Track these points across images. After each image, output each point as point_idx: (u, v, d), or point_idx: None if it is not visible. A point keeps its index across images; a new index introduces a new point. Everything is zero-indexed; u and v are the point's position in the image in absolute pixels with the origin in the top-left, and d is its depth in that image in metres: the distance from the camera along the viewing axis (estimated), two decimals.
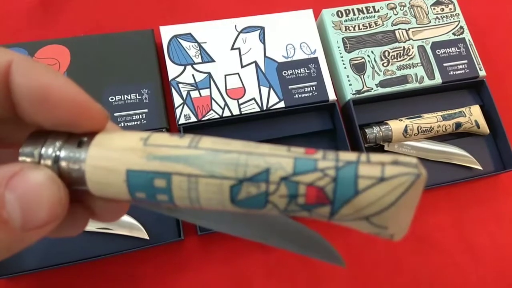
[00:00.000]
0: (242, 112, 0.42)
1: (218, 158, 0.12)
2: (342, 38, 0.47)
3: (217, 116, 0.42)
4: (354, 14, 0.48)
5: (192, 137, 0.13)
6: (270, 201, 0.12)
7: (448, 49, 0.48)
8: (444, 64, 0.47)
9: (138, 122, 0.41)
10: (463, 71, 0.48)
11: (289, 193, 0.12)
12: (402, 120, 0.46)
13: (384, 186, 0.11)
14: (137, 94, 0.42)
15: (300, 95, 0.44)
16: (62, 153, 0.13)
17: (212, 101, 0.42)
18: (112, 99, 0.41)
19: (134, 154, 0.13)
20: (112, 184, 0.13)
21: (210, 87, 0.43)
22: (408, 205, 0.12)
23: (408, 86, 0.46)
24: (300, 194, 0.12)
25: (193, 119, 0.41)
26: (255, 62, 0.45)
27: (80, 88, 0.13)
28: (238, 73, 0.44)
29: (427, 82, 0.46)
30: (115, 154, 0.13)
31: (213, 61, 0.44)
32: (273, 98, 0.43)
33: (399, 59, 0.47)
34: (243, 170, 0.12)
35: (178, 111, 0.41)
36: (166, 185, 0.13)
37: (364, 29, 0.48)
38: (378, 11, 0.49)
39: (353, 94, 0.45)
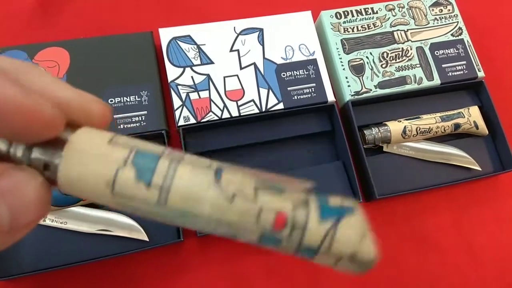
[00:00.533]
0: (241, 114, 0.43)
1: (188, 220, 0.13)
2: (341, 40, 0.47)
3: (216, 118, 0.42)
4: (353, 16, 0.48)
5: (160, 186, 0.13)
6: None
7: (446, 50, 0.48)
8: (443, 65, 0.48)
9: (137, 124, 0.41)
10: (461, 72, 0.48)
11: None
12: (401, 121, 0.46)
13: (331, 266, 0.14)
14: (136, 96, 0.42)
15: (299, 97, 0.44)
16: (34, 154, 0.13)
17: (211, 102, 0.43)
18: (111, 101, 0.41)
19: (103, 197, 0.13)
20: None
21: (209, 89, 0.43)
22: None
23: (407, 87, 0.46)
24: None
25: (192, 120, 0.42)
26: (254, 63, 0.45)
27: (22, 88, 0.11)
28: (237, 75, 0.44)
29: (425, 83, 0.46)
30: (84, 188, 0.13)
31: (212, 63, 0.44)
32: (272, 100, 0.44)
33: (397, 60, 0.47)
34: (213, 230, 0.13)
35: (177, 113, 0.42)
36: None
37: (362, 30, 0.48)
38: (377, 12, 0.49)
39: (351, 96, 0.45)
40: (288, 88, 0.44)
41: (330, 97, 0.45)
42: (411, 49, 0.48)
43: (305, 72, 0.45)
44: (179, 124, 0.41)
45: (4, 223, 0.12)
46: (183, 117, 0.42)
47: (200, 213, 0.13)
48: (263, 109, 0.43)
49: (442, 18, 0.50)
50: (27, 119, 0.11)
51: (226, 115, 0.42)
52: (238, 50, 0.45)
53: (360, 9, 0.49)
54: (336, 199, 0.14)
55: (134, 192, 0.12)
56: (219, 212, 0.13)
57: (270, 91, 0.44)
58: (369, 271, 0.13)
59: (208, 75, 0.43)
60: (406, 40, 0.48)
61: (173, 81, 0.43)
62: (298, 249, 0.13)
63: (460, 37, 0.49)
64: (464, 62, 0.48)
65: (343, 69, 0.46)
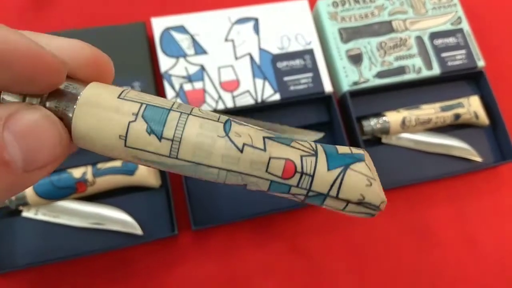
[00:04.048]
0: (237, 105, 0.42)
1: (199, 171, 0.13)
2: (338, 29, 0.46)
3: (211, 109, 0.41)
4: (350, 5, 0.47)
5: (171, 141, 0.13)
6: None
7: (446, 40, 0.47)
8: (442, 55, 0.47)
9: None
10: (461, 61, 0.47)
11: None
12: (400, 111, 0.45)
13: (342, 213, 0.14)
14: (129, 87, 0.41)
15: (295, 87, 0.43)
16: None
17: (206, 94, 0.42)
18: None
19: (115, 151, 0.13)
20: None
21: (203, 80, 0.42)
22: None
23: (406, 77, 0.45)
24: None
25: None
26: (250, 54, 0.44)
27: (23, 35, 0.11)
28: (232, 65, 0.43)
29: (425, 73, 0.46)
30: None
31: (206, 53, 0.43)
32: (268, 90, 0.43)
33: (396, 50, 0.46)
34: (222, 181, 0.14)
35: None
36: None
37: (360, 19, 0.47)
38: (375, 1, 0.48)
39: (349, 86, 0.44)
40: (284, 79, 0.43)
41: (328, 88, 0.44)
42: (409, 38, 0.47)
43: (302, 62, 0.44)
44: None
45: (17, 164, 0.11)
46: None
47: (211, 164, 0.13)
48: (259, 100, 0.42)
49: (441, 7, 0.49)
50: (31, 64, 0.11)
51: (221, 106, 0.41)
52: (233, 40, 0.44)
53: None
54: (344, 148, 0.14)
55: (146, 145, 0.13)
56: (230, 163, 0.13)
57: (266, 82, 0.43)
58: (377, 214, 0.14)
59: (202, 66, 0.42)
60: (404, 29, 0.47)
61: (166, 72, 0.42)
62: (306, 195, 0.14)
63: (459, 26, 0.48)
64: (464, 51, 0.47)
65: (341, 59, 0.45)
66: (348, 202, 0.14)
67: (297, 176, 0.13)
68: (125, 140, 0.13)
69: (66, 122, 0.13)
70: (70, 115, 0.13)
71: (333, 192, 0.13)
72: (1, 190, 0.12)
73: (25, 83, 0.12)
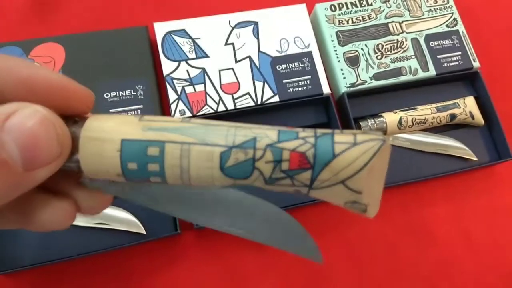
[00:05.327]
0: (237, 107, 0.43)
1: (210, 129, 0.13)
2: (336, 32, 0.47)
3: (212, 111, 0.42)
4: (348, 8, 0.48)
5: (183, 117, 0.14)
6: (256, 167, 0.13)
7: (441, 41, 0.48)
8: (438, 56, 0.48)
9: None
10: (457, 62, 0.48)
11: (274, 158, 0.13)
12: (396, 112, 0.46)
13: (357, 150, 0.13)
14: (132, 91, 0.42)
15: (294, 89, 0.44)
16: None
17: (207, 96, 0.43)
18: (107, 95, 0.42)
19: (129, 126, 0.13)
20: (105, 154, 0.13)
21: (204, 83, 0.43)
22: (378, 171, 0.13)
23: (402, 78, 0.46)
24: (284, 159, 0.13)
25: (188, 114, 0.42)
26: (249, 57, 0.45)
27: (62, 75, 0.14)
28: (232, 68, 0.44)
29: (421, 74, 0.46)
30: (111, 126, 0.13)
31: (207, 56, 0.44)
32: (268, 92, 0.44)
33: (392, 52, 0.47)
34: (232, 139, 0.13)
35: (173, 107, 0.42)
36: (159, 153, 0.13)
37: (357, 22, 0.48)
38: (371, 4, 0.49)
39: (347, 87, 0.45)
40: (284, 81, 0.44)
41: (326, 89, 0.45)
42: (406, 40, 0.48)
43: (301, 65, 0.45)
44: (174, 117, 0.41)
45: (16, 163, 0.12)
46: (179, 110, 0.42)
47: (221, 124, 0.14)
48: (259, 102, 0.43)
49: (437, 9, 0.50)
50: (67, 94, 0.14)
51: (221, 108, 0.42)
52: (233, 44, 0.45)
53: (355, 1, 0.49)
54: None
55: (160, 117, 0.14)
56: (237, 124, 0.14)
57: (266, 84, 0.44)
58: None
59: (203, 69, 0.43)
60: (401, 31, 0.48)
61: (168, 75, 0.43)
62: (315, 136, 0.14)
63: (455, 27, 0.49)
64: (460, 52, 0.48)
65: (338, 61, 0.46)
66: (354, 133, 0.13)
67: (300, 128, 0.14)
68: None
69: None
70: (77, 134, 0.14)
71: (337, 130, 0.14)
72: (3, 189, 0.12)
73: (63, 109, 0.14)
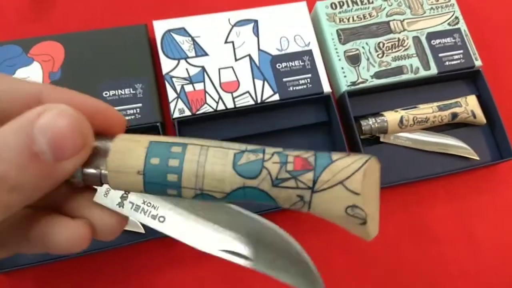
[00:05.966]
0: (237, 106, 0.42)
1: (225, 144, 0.16)
2: (337, 30, 0.47)
3: (211, 110, 0.42)
4: (348, 6, 0.48)
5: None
6: (265, 166, 0.15)
7: (443, 40, 0.48)
8: (440, 55, 0.47)
9: (132, 117, 0.41)
10: (458, 61, 0.47)
11: (281, 160, 0.15)
12: (397, 111, 0.45)
13: (350, 158, 0.15)
14: (131, 89, 0.42)
15: (294, 88, 0.44)
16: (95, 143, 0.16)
17: (206, 94, 0.42)
18: (106, 94, 0.41)
19: (158, 137, 0.16)
20: (133, 149, 0.15)
21: (204, 81, 0.43)
22: (372, 184, 0.15)
23: (404, 77, 0.46)
24: (289, 162, 0.15)
25: (187, 113, 0.41)
26: (249, 55, 0.44)
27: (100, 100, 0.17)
28: (232, 67, 0.44)
29: (422, 73, 0.46)
30: (141, 135, 0.16)
31: (206, 55, 0.44)
32: (268, 91, 0.43)
33: (394, 50, 0.47)
34: (245, 147, 0.16)
35: (172, 105, 0.41)
36: (181, 150, 0.15)
37: (358, 20, 0.47)
38: (372, 2, 0.48)
39: (348, 86, 0.44)
40: (284, 79, 0.44)
41: (326, 88, 0.44)
42: (407, 38, 0.47)
43: (301, 63, 0.45)
44: (174, 116, 0.41)
45: (46, 155, 0.13)
46: (178, 109, 0.41)
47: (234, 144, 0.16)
48: (259, 101, 0.43)
49: (439, 7, 0.49)
50: (108, 120, 0.17)
51: (221, 107, 0.42)
52: (232, 42, 0.45)
53: None
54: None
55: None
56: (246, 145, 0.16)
57: (266, 83, 0.44)
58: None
59: (203, 67, 0.43)
60: (402, 29, 0.48)
61: (167, 73, 0.42)
62: (315, 154, 0.16)
63: (457, 26, 0.49)
64: (461, 51, 0.48)
65: (339, 59, 0.46)
66: (347, 155, 0.15)
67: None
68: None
69: (103, 149, 0.16)
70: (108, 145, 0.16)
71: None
72: (36, 180, 0.14)
73: (101, 131, 0.17)
